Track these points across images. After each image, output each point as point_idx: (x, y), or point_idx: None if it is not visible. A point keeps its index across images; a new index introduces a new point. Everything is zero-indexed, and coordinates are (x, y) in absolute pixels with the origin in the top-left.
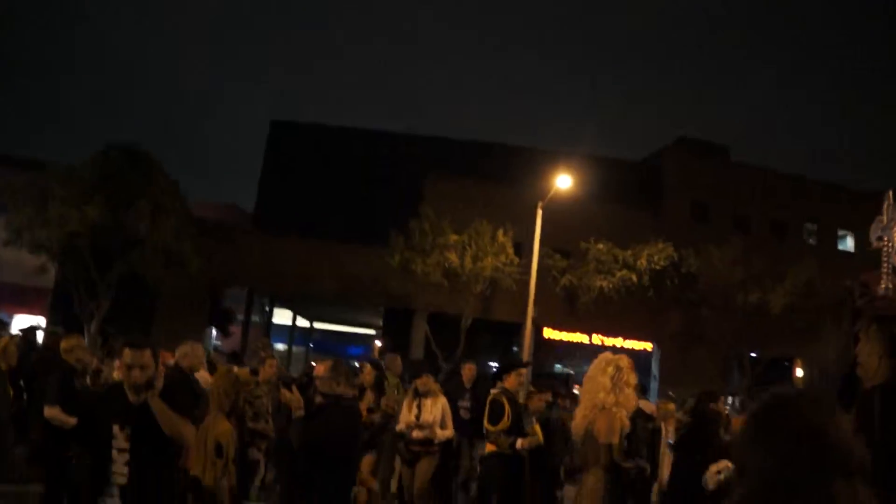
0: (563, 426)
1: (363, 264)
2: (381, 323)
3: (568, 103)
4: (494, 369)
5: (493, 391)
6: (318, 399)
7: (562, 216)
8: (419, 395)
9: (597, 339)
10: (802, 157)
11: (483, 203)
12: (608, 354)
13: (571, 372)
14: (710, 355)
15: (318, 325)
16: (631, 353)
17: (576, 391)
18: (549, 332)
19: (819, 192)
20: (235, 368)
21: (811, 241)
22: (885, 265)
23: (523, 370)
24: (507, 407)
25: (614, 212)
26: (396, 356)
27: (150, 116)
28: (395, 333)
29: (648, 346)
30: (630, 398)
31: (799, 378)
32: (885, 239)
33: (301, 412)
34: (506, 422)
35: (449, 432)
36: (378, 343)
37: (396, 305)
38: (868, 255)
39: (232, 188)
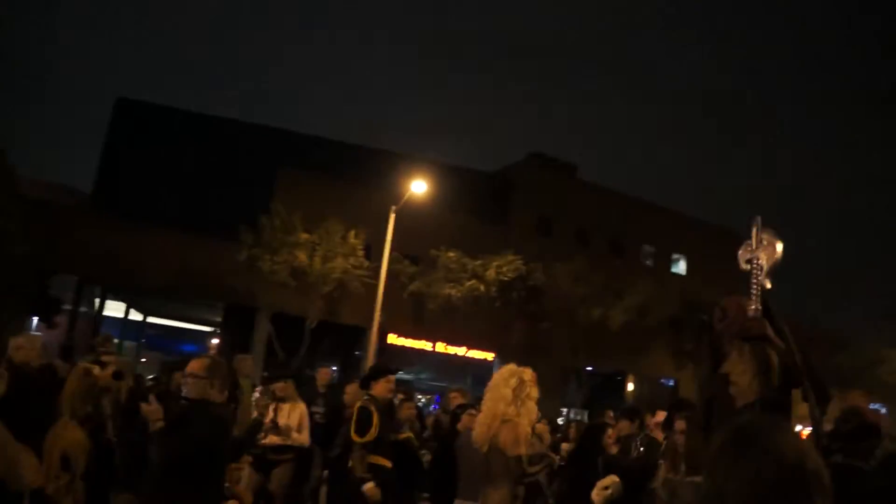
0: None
1: (206, 258)
2: (219, 320)
3: (424, 110)
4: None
5: (361, 399)
6: (183, 402)
7: (414, 222)
8: (276, 399)
9: (441, 347)
10: (648, 182)
11: (336, 202)
12: (512, 366)
13: (410, 378)
14: (550, 368)
15: (151, 320)
16: (473, 362)
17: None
18: (393, 338)
19: (657, 215)
20: (96, 369)
21: (647, 262)
22: (755, 287)
23: (392, 377)
24: (375, 416)
25: (466, 221)
26: (248, 357)
27: None
28: (235, 332)
29: (490, 356)
30: (532, 410)
31: (630, 392)
32: (755, 262)
33: (160, 424)
34: (373, 432)
35: (305, 438)
36: (215, 341)
37: (238, 303)
38: (699, 279)
39: (69, 169)
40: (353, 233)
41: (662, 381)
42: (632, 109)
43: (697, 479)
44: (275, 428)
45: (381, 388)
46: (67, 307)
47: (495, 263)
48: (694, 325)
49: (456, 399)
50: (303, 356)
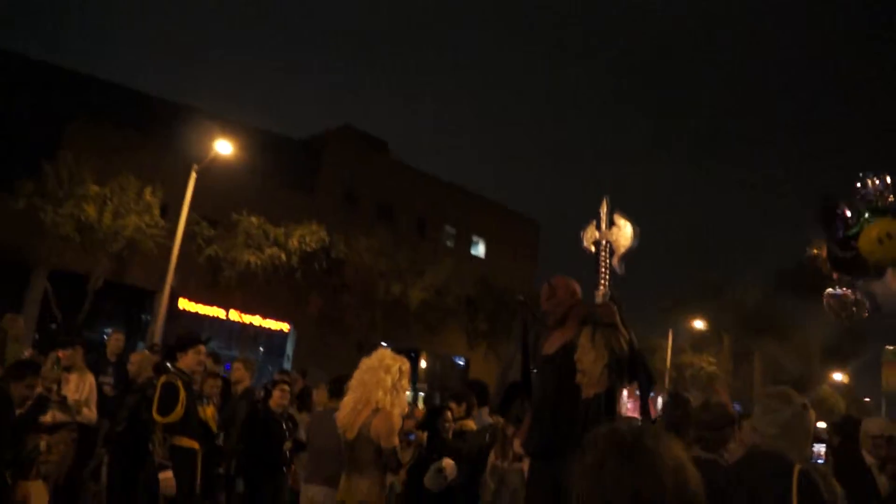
0: None
1: None
2: None
3: (232, 69)
4: (167, 346)
5: (165, 374)
6: None
7: (216, 184)
8: (65, 368)
9: (234, 314)
10: (456, 167)
11: (133, 157)
12: (389, 353)
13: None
14: (345, 342)
15: None
16: (267, 332)
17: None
18: (184, 303)
19: (461, 198)
20: None
21: (448, 242)
22: (603, 270)
23: (202, 347)
24: (182, 393)
25: (271, 187)
26: (19, 317)
27: None
28: (3, 289)
29: (286, 326)
30: (404, 402)
31: (423, 369)
32: (604, 244)
33: None
34: (179, 412)
35: (93, 415)
36: None
37: (9, 257)
38: (496, 262)
39: None
40: (149, 190)
41: (455, 359)
42: (447, 93)
43: (524, 465)
44: (62, 404)
45: (189, 360)
46: None
47: (298, 232)
48: (488, 307)
49: (238, 371)
50: (83, 319)
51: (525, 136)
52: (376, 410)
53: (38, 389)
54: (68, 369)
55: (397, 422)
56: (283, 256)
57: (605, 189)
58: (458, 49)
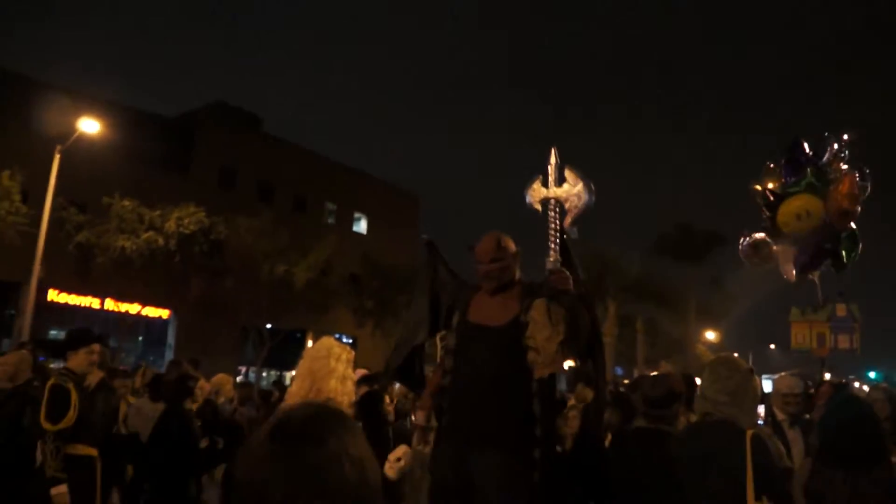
0: None
1: None
2: None
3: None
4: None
5: (55, 375)
6: None
7: (83, 166)
8: None
9: (110, 304)
10: (333, 141)
11: None
12: (335, 341)
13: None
14: (229, 325)
15: None
16: (147, 320)
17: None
18: (54, 295)
19: (341, 173)
20: None
21: (330, 220)
22: (553, 233)
23: (96, 346)
24: (73, 395)
25: (143, 168)
26: None
27: None
28: None
29: (165, 313)
30: (350, 391)
31: (308, 349)
32: (552, 203)
33: None
34: (72, 416)
35: None
36: None
37: None
38: (379, 238)
39: None
40: (7, 174)
41: (342, 338)
42: (318, 64)
43: None
44: None
45: (80, 359)
46: None
47: (175, 215)
48: (374, 285)
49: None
50: None
51: (399, 105)
52: (328, 400)
53: None
54: None
55: (348, 411)
56: (161, 241)
57: (476, 158)
58: (330, 15)
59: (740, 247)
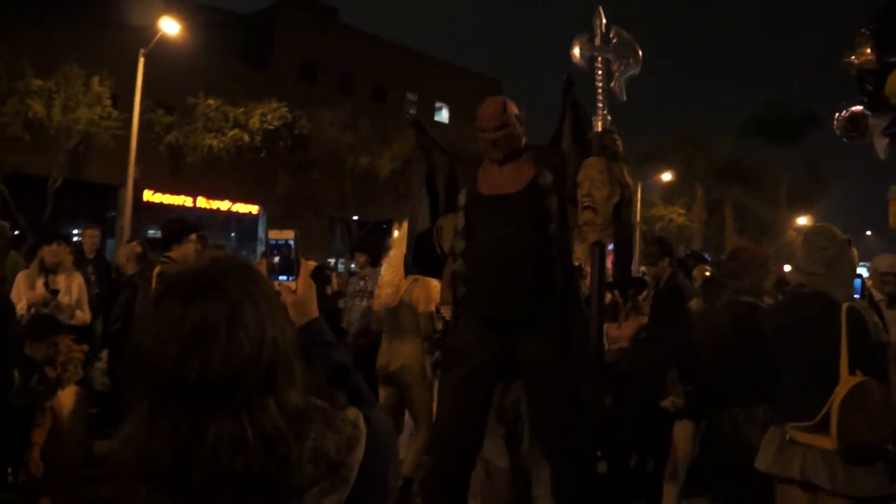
0: None
1: None
2: None
3: None
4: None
5: (159, 264)
6: None
7: (167, 67)
8: (46, 269)
9: (202, 202)
10: (411, 28)
11: (73, 45)
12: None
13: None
14: (317, 218)
15: None
16: (237, 215)
17: None
18: (149, 195)
19: (420, 63)
20: None
21: (411, 110)
22: (599, 93)
23: (194, 236)
24: None
25: (224, 66)
26: (5, 223)
27: None
28: None
29: (255, 208)
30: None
31: (395, 238)
32: (599, 62)
33: None
34: None
35: (88, 315)
36: None
37: None
38: (461, 128)
39: None
40: (96, 79)
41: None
42: None
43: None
44: (56, 307)
45: (184, 249)
46: None
47: (259, 111)
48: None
49: (94, 237)
50: (47, 221)
51: None
52: (416, 280)
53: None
54: (54, 270)
55: (435, 290)
56: (246, 137)
57: (566, 38)
58: None
59: (835, 122)
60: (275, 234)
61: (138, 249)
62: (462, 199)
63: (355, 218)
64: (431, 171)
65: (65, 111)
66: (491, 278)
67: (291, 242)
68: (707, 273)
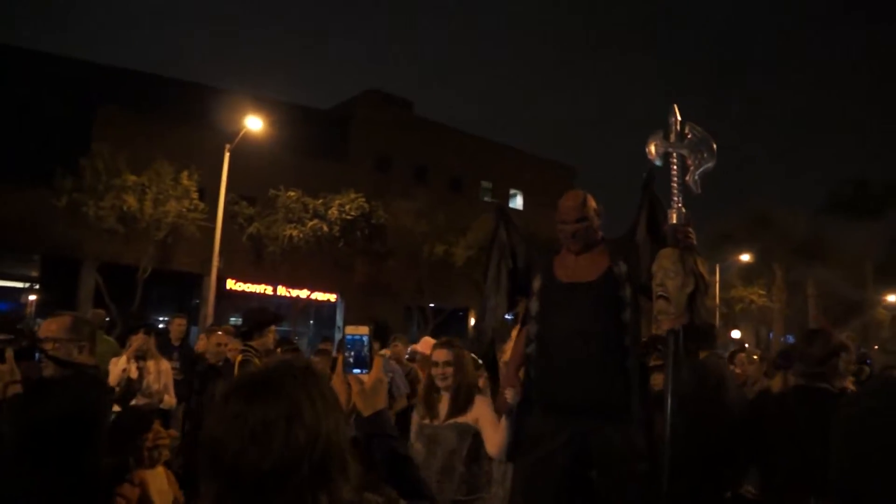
0: None
1: (15, 207)
2: (36, 274)
3: (256, 46)
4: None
5: (240, 353)
6: (50, 369)
7: (249, 161)
8: (136, 357)
9: (282, 290)
10: (480, 118)
11: (164, 142)
12: None
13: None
14: (394, 306)
15: None
16: (316, 303)
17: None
18: (232, 284)
19: (494, 151)
20: None
21: (486, 197)
22: (675, 187)
23: (274, 327)
24: None
25: (304, 159)
26: (101, 311)
27: None
28: (56, 286)
29: (333, 296)
30: None
31: (472, 327)
32: (674, 157)
33: (17, 387)
34: None
35: (173, 400)
36: (32, 297)
37: (59, 254)
38: (536, 214)
39: None
40: (185, 174)
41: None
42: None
43: (462, 420)
44: (146, 392)
45: (266, 339)
46: None
47: (337, 202)
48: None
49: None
50: (136, 308)
51: (549, 77)
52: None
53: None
54: (143, 357)
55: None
56: (325, 227)
57: (643, 128)
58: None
59: None
60: (351, 330)
61: (223, 340)
62: (537, 284)
63: (431, 305)
64: (509, 256)
65: (156, 204)
66: (566, 364)
67: (365, 338)
68: (755, 357)
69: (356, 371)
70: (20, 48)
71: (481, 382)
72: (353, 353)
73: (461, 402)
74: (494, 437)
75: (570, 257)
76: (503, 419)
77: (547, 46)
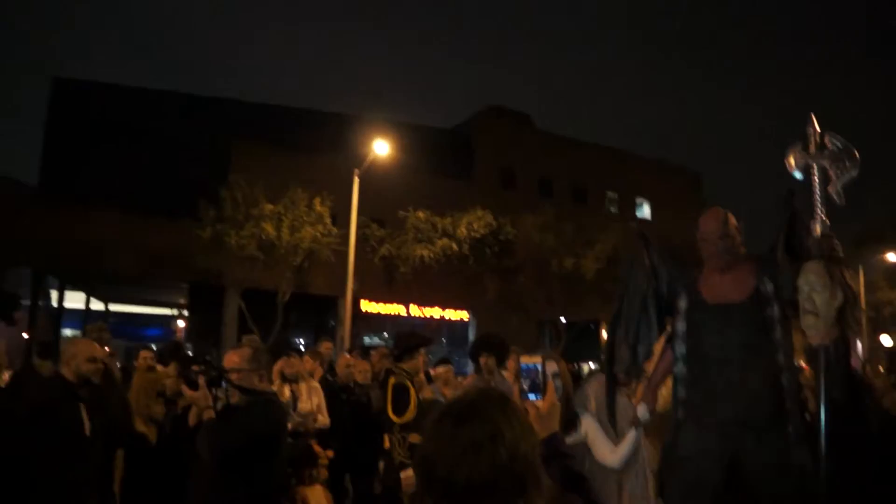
0: None
1: (165, 238)
2: (184, 301)
3: (374, 69)
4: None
5: (393, 375)
6: (236, 396)
7: (377, 184)
8: (287, 379)
9: (414, 309)
10: (601, 127)
11: (296, 170)
12: None
13: (384, 344)
14: (525, 321)
15: (113, 308)
16: (448, 322)
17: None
18: (366, 304)
19: (618, 161)
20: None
21: (612, 208)
22: (817, 199)
23: (423, 349)
24: (412, 393)
25: (429, 179)
26: (254, 337)
27: None
28: (203, 312)
29: (465, 315)
30: None
31: (605, 339)
32: (814, 169)
33: (211, 413)
34: (413, 410)
35: (327, 419)
36: (181, 324)
37: (205, 281)
38: (663, 221)
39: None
40: (318, 200)
41: None
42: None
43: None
44: (299, 415)
45: (415, 362)
46: (26, 302)
47: (465, 220)
48: None
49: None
50: (278, 331)
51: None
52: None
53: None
54: (295, 379)
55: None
56: (454, 246)
57: (769, 128)
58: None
59: None
60: (525, 359)
61: (351, 362)
62: (682, 303)
63: (563, 319)
64: (651, 278)
65: (292, 231)
66: (719, 384)
67: (539, 367)
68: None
69: (531, 397)
70: (167, 91)
71: None
72: (528, 381)
73: (570, 418)
74: (615, 449)
75: (715, 276)
76: (630, 432)
77: (665, 46)
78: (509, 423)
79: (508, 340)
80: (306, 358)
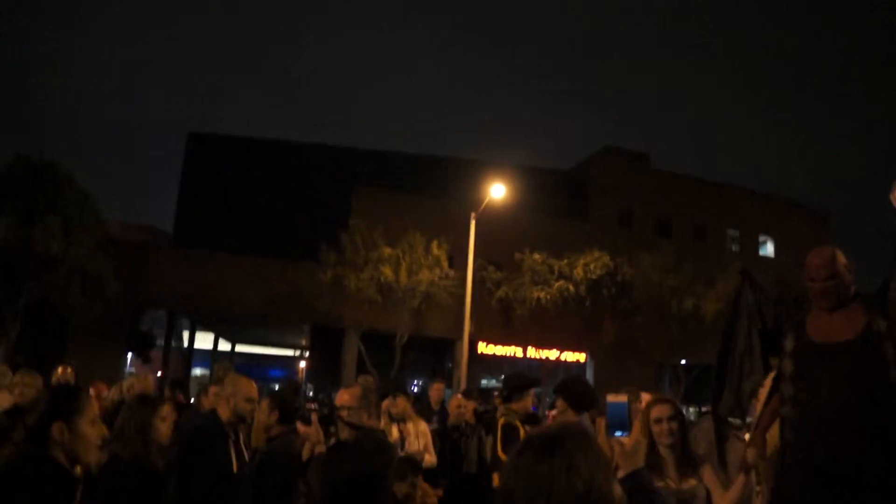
0: None
1: (289, 281)
2: (304, 343)
3: (490, 114)
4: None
5: (502, 415)
6: (345, 432)
7: (494, 227)
8: (395, 420)
9: (531, 351)
10: (721, 164)
11: (414, 214)
12: None
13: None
14: (644, 364)
15: (239, 349)
16: (565, 364)
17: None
18: (483, 347)
19: (739, 197)
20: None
21: (733, 247)
22: None
23: (533, 390)
24: (522, 432)
25: (546, 221)
26: (369, 377)
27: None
28: (323, 353)
29: (582, 356)
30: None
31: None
32: None
33: (322, 447)
34: None
35: (434, 459)
36: (303, 364)
37: (325, 323)
38: (787, 260)
39: (148, 210)
40: (435, 243)
41: None
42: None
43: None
44: (407, 454)
45: (524, 403)
46: (160, 342)
47: (582, 261)
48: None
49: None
50: (395, 373)
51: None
52: None
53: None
54: (403, 420)
55: None
56: (571, 288)
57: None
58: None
59: None
60: (612, 398)
61: (462, 403)
62: (790, 344)
63: (683, 362)
64: (759, 316)
65: (409, 274)
66: (829, 427)
67: (625, 404)
68: None
69: (618, 433)
70: (289, 141)
71: None
72: (614, 418)
73: (689, 461)
74: (725, 496)
75: (824, 316)
76: (740, 477)
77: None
78: (585, 455)
79: (627, 383)
80: (399, 398)
